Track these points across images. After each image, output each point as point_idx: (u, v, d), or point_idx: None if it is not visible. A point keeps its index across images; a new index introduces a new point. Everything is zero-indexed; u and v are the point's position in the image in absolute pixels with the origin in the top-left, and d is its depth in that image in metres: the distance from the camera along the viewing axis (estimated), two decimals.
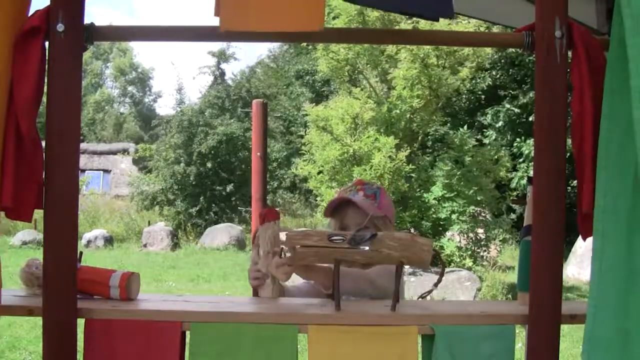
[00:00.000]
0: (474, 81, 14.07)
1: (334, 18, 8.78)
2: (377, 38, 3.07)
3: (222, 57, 24.89)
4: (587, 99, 1.38)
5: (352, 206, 1.86)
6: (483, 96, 15.18)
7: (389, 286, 1.71)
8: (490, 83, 14.82)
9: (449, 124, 12.90)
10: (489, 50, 10.06)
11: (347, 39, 2.65)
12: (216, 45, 24.98)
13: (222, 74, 25.32)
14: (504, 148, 11.78)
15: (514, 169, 12.85)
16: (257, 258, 1.73)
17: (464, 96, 14.96)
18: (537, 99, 1.42)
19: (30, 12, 1.42)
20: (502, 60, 14.76)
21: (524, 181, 12.13)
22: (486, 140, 13.18)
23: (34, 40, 1.37)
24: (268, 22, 1.38)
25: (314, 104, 10.26)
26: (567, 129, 1.42)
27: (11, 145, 1.35)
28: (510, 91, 14.56)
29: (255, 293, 1.82)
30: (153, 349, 1.40)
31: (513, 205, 12.52)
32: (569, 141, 1.44)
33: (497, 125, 14.33)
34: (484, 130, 14.50)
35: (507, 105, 14.26)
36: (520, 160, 13.28)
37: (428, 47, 8.36)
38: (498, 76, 14.94)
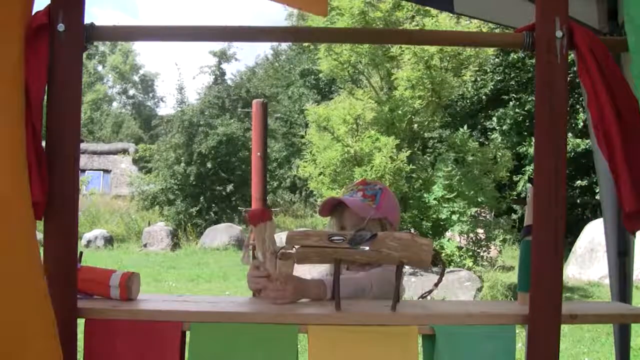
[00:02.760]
0: (476, 83, 14.03)
1: (338, 13, 8.77)
2: (379, 38, 3.06)
3: (223, 57, 24.90)
4: (603, 99, 1.36)
5: (347, 207, 1.83)
6: (485, 98, 15.13)
7: (387, 292, 1.70)
8: (492, 86, 14.77)
9: (450, 126, 12.85)
10: (490, 51, 10.05)
11: (349, 39, 2.64)
12: (217, 45, 25.05)
13: (223, 73, 25.34)
14: (508, 150, 11.72)
15: (520, 172, 12.73)
16: (257, 262, 1.69)
17: (467, 99, 14.91)
18: (537, 99, 1.42)
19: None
20: (504, 63, 14.71)
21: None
22: (491, 145, 13.14)
23: (42, 38, 1.36)
24: None
25: (316, 103, 10.25)
26: (567, 130, 1.41)
27: (31, 144, 1.32)
28: (514, 94, 14.51)
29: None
30: (153, 349, 1.40)
31: (514, 206, 12.50)
32: (570, 142, 1.44)
33: (503, 128, 14.23)
34: (489, 133, 14.42)
35: (513, 110, 14.16)
36: (526, 162, 13.18)
37: (433, 49, 8.35)
38: (500, 78, 14.89)
